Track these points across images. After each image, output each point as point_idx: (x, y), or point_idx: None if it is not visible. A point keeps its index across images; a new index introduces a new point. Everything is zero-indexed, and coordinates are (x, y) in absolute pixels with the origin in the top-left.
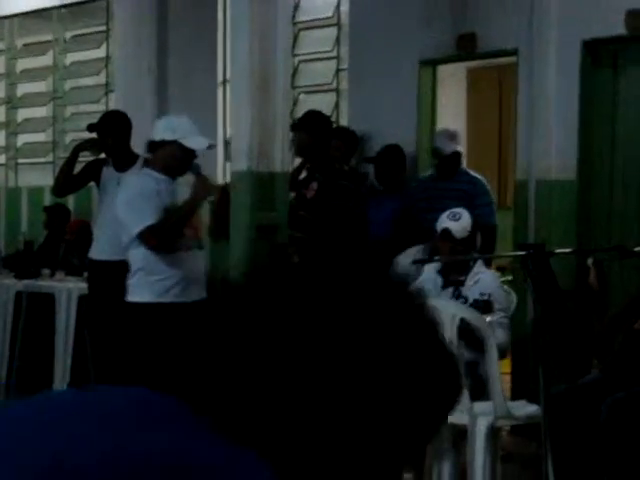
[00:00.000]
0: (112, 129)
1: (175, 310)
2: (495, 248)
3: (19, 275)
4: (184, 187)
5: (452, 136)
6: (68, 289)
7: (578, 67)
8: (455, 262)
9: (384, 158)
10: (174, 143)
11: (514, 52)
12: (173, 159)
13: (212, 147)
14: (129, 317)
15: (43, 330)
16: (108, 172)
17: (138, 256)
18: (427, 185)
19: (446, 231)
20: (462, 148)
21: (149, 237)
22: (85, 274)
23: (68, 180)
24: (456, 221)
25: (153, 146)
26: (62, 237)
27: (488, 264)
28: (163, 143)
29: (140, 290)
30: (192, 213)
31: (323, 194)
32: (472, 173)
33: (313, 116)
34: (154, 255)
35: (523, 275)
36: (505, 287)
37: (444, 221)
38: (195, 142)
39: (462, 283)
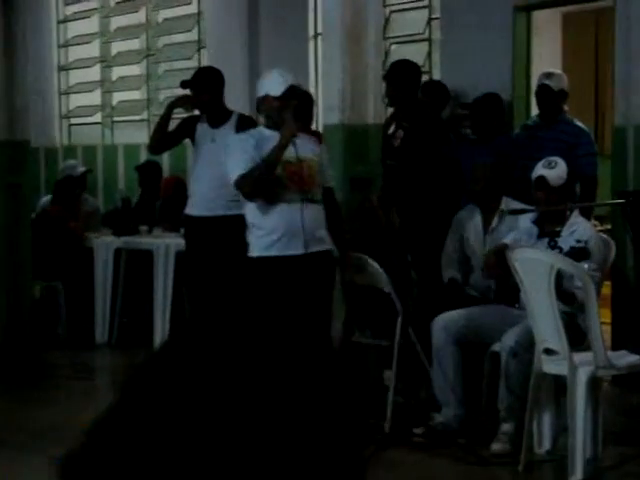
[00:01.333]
0: (206, 85)
1: (280, 264)
2: (595, 200)
3: (117, 232)
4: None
5: (559, 75)
6: (166, 245)
7: None
8: (551, 212)
9: (481, 106)
10: (265, 98)
11: None
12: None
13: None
14: (243, 272)
15: (142, 286)
16: (202, 128)
17: (248, 211)
18: (529, 133)
19: (541, 179)
20: (567, 88)
21: (242, 185)
22: (182, 230)
23: (163, 137)
24: (551, 169)
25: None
26: (157, 194)
27: (587, 215)
28: (263, 99)
29: (252, 245)
30: (277, 158)
31: (409, 142)
32: (575, 122)
33: (400, 66)
34: (259, 209)
35: (623, 223)
36: (604, 236)
37: (539, 169)
38: (274, 88)
39: (558, 234)
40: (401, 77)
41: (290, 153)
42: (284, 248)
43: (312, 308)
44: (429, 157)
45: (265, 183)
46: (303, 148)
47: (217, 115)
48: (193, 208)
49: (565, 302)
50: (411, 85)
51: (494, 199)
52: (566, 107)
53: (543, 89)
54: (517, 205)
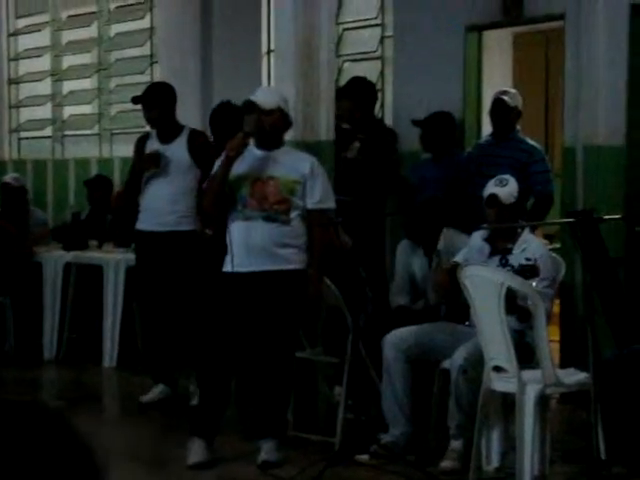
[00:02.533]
0: (157, 101)
1: (233, 280)
2: (546, 217)
3: (67, 247)
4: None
5: (514, 93)
6: (116, 260)
7: (627, 31)
8: (502, 230)
9: (432, 124)
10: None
11: (561, 16)
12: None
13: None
14: (198, 287)
15: (91, 302)
16: (152, 145)
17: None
18: (482, 151)
19: (492, 197)
20: (521, 107)
21: (200, 199)
22: (132, 245)
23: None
24: (503, 187)
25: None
26: (107, 208)
27: (535, 231)
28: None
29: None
30: (220, 173)
31: (365, 152)
32: (528, 141)
33: (358, 83)
34: (227, 224)
35: (572, 242)
36: (553, 255)
37: (491, 187)
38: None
39: (509, 251)
40: (359, 93)
41: (261, 171)
42: (238, 265)
43: (262, 325)
44: (385, 167)
45: (214, 198)
46: (280, 167)
47: (168, 130)
48: (143, 223)
49: (521, 320)
50: (368, 101)
51: (435, 236)
52: (518, 126)
53: (498, 103)
54: (460, 237)
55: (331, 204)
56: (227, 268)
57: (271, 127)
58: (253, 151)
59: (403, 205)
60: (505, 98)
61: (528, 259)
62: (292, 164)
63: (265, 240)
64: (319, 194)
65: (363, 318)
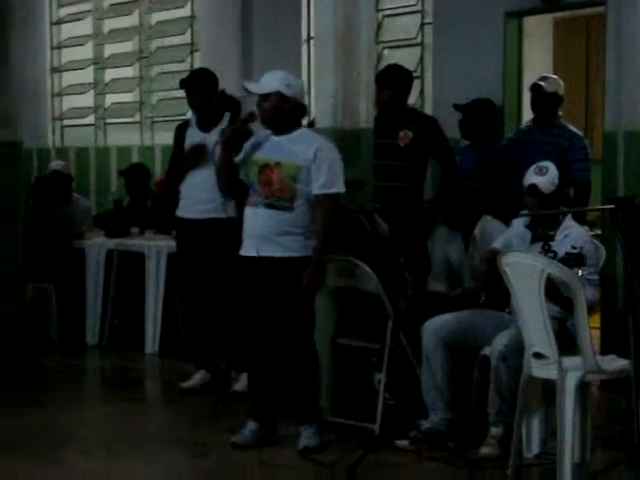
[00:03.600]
0: (203, 87)
1: (245, 263)
2: (587, 204)
3: (109, 234)
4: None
5: (553, 79)
6: (158, 247)
7: None
8: (544, 216)
9: (473, 111)
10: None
11: (602, 2)
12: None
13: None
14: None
15: (134, 288)
16: (192, 132)
17: None
18: (523, 137)
19: (532, 186)
20: (562, 92)
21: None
22: (174, 232)
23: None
24: (542, 175)
25: None
26: (147, 195)
27: (580, 220)
28: None
29: None
30: (221, 157)
31: (419, 141)
32: (570, 127)
33: (395, 70)
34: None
35: (613, 229)
36: (595, 241)
37: (531, 176)
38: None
39: (551, 238)
40: (397, 81)
41: (270, 157)
42: (245, 249)
43: (271, 310)
44: (441, 155)
45: (225, 184)
46: (286, 152)
47: (208, 118)
48: (184, 211)
49: (564, 307)
50: (406, 89)
51: (473, 225)
52: (560, 112)
53: (536, 89)
54: (497, 225)
55: (337, 189)
56: (241, 252)
57: (267, 112)
58: (270, 137)
59: (444, 191)
60: (542, 84)
61: (574, 247)
62: (297, 149)
63: (265, 227)
64: (323, 178)
65: (403, 304)
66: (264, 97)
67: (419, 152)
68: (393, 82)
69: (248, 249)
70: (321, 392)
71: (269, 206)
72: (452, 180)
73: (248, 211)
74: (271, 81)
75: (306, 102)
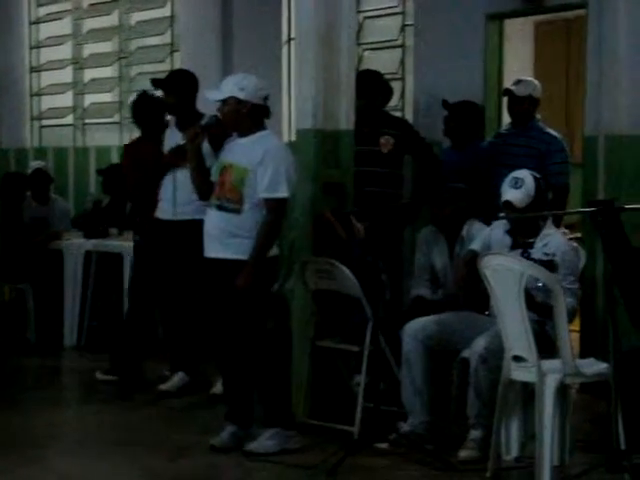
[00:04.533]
0: (177, 88)
1: (203, 264)
2: (566, 208)
3: (88, 234)
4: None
5: (526, 82)
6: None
7: None
8: (524, 224)
9: (458, 112)
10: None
11: (583, 5)
12: None
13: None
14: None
15: (112, 289)
16: (171, 133)
17: None
18: (502, 140)
19: (507, 203)
20: (538, 95)
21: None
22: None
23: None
24: (517, 189)
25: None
26: (126, 196)
27: (558, 223)
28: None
29: None
30: (191, 164)
31: (400, 148)
32: (548, 130)
33: (368, 76)
34: None
35: (593, 232)
36: (574, 245)
37: (506, 190)
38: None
39: (531, 245)
40: (371, 87)
41: (227, 159)
42: (205, 250)
43: (221, 312)
44: (424, 161)
45: (199, 186)
46: (239, 155)
47: (187, 119)
48: (162, 212)
49: (541, 315)
50: (380, 95)
51: (459, 225)
52: (539, 116)
53: (506, 94)
54: (481, 227)
55: (280, 193)
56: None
57: (225, 116)
58: (236, 139)
59: (427, 188)
60: (513, 88)
61: (547, 254)
62: (248, 152)
63: (214, 228)
64: (267, 182)
65: (381, 306)
66: (223, 102)
67: (401, 157)
68: (366, 90)
69: (205, 250)
70: (291, 396)
71: (219, 208)
72: (436, 176)
73: (207, 212)
74: (225, 86)
75: (266, 102)
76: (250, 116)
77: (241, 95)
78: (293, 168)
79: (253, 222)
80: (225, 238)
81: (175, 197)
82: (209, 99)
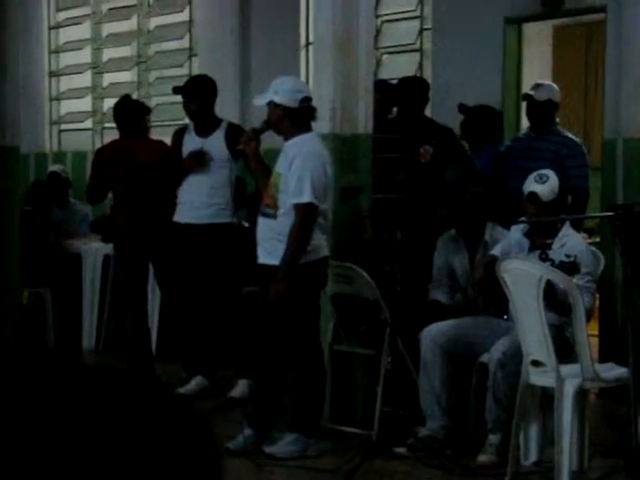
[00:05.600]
0: (197, 94)
1: (258, 270)
2: (585, 212)
3: (106, 239)
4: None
5: (546, 86)
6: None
7: None
8: (542, 225)
9: (476, 117)
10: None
11: (602, 9)
12: None
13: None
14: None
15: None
16: (190, 138)
17: None
18: (521, 144)
19: (532, 194)
20: (557, 99)
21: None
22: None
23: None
24: (543, 184)
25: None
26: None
27: (577, 227)
28: None
29: None
30: (255, 170)
31: (440, 158)
32: (567, 134)
33: (412, 82)
34: None
35: (612, 236)
36: (593, 249)
37: (531, 184)
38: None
39: (549, 246)
40: (414, 93)
41: (275, 165)
42: (259, 256)
43: (266, 318)
44: (467, 171)
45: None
46: (279, 160)
47: (206, 124)
48: (181, 216)
49: (560, 314)
50: (423, 101)
51: (480, 230)
52: (558, 119)
53: (525, 99)
54: (503, 231)
55: (301, 199)
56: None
57: (270, 120)
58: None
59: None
60: (532, 93)
61: (568, 255)
62: (284, 157)
63: (259, 234)
64: (293, 187)
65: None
66: (268, 106)
67: (441, 167)
68: (407, 94)
69: (260, 257)
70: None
71: (262, 214)
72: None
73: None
74: (267, 90)
75: (307, 103)
76: (290, 120)
77: (276, 98)
78: (323, 173)
79: (286, 228)
80: (266, 243)
81: (194, 201)
82: (255, 104)
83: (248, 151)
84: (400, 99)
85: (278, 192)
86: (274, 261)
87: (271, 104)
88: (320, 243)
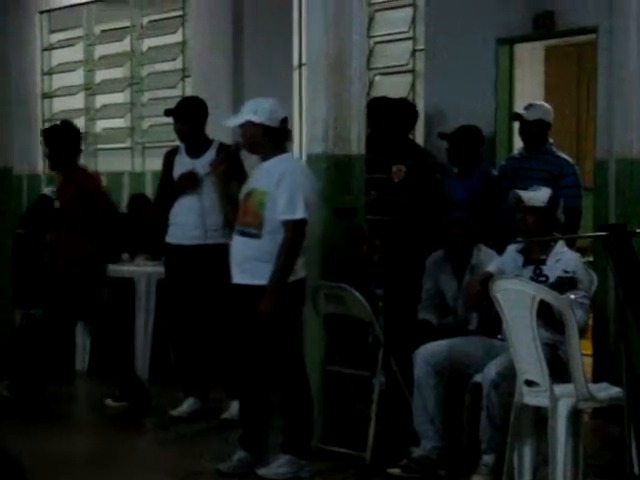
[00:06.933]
0: (189, 116)
1: (232, 290)
2: (577, 231)
3: None
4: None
5: (537, 106)
6: (148, 273)
7: None
8: (536, 234)
9: (459, 138)
10: None
11: (593, 29)
12: None
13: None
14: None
15: (124, 315)
16: (181, 159)
17: None
18: (514, 164)
19: (519, 200)
20: (549, 119)
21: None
22: (163, 259)
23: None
24: (533, 191)
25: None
26: (142, 223)
27: (570, 246)
28: None
29: None
30: (221, 193)
31: (413, 178)
32: (560, 154)
33: (396, 104)
34: None
35: (604, 256)
36: (586, 268)
37: (522, 193)
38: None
39: (543, 262)
40: (396, 116)
41: (250, 184)
42: (232, 277)
43: (247, 338)
44: (434, 193)
45: (229, 215)
46: (259, 179)
47: (197, 145)
48: (173, 237)
49: (557, 330)
50: (406, 122)
51: (468, 253)
52: (551, 140)
53: (516, 118)
54: (490, 253)
55: (294, 215)
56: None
57: (244, 141)
58: (260, 164)
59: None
60: (523, 113)
61: (566, 271)
62: (266, 175)
63: (238, 254)
64: (283, 204)
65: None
66: (241, 127)
67: (414, 186)
68: (380, 118)
69: (235, 276)
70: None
71: (241, 233)
72: (439, 213)
73: (233, 238)
74: (242, 111)
75: (285, 124)
76: (269, 139)
77: (255, 118)
78: (311, 190)
79: (273, 246)
80: (247, 263)
81: (185, 222)
82: (229, 125)
83: (217, 174)
84: (381, 119)
85: (264, 210)
86: (256, 281)
87: (248, 124)
88: (300, 264)
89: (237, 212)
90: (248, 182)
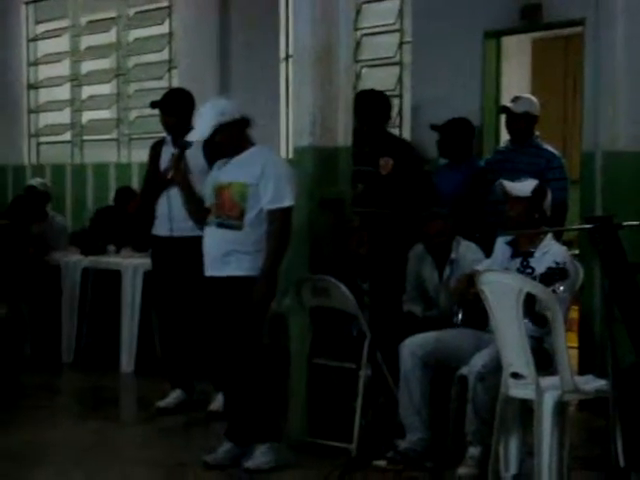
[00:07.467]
0: (175, 107)
1: (204, 282)
2: (564, 224)
3: (85, 252)
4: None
5: (524, 99)
6: (134, 265)
7: None
8: (523, 225)
9: (451, 130)
10: None
11: (581, 22)
12: None
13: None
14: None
15: (109, 306)
16: (167, 151)
17: None
18: (501, 157)
19: (504, 189)
20: (536, 112)
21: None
22: (150, 250)
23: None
24: (516, 182)
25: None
26: (127, 215)
27: (556, 239)
28: None
29: None
30: (183, 191)
31: (400, 170)
32: (547, 146)
33: (370, 96)
34: None
35: (591, 248)
36: (573, 261)
37: (507, 183)
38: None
39: (531, 254)
40: (373, 108)
41: (224, 178)
42: (206, 269)
43: (222, 330)
44: (422, 185)
45: (194, 213)
46: (237, 172)
47: (183, 136)
48: (159, 229)
49: (537, 324)
50: (383, 115)
51: (447, 249)
52: (537, 132)
53: (503, 111)
54: (470, 245)
55: (284, 203)
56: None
57: (222, 143)
58: (227, 161)
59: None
60: (510, 105)
61: (557, 262)
62: (245, 168)
63: (216, 246)
64: (271, 194)
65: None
66: (215, 134)
67: (401, 179)
68: (366, 110)
69: (206, 269)
70: (285, 411)
71: (220, 225)
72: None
73: (205, 232)
74: (205, 121)
75: (244, 114)
76: (242, 131)
77: (225, 119)
78: (292, 179)
79: (255, 237)
80: (226, 256)
81: (171, 214)
82: (196, 140)
83: (177, 177)
84: (359, 113)
85: (245, 202)
86: (236, 272)
87: (222, 127)
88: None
89: (202, 207)
90: (214, 179)
